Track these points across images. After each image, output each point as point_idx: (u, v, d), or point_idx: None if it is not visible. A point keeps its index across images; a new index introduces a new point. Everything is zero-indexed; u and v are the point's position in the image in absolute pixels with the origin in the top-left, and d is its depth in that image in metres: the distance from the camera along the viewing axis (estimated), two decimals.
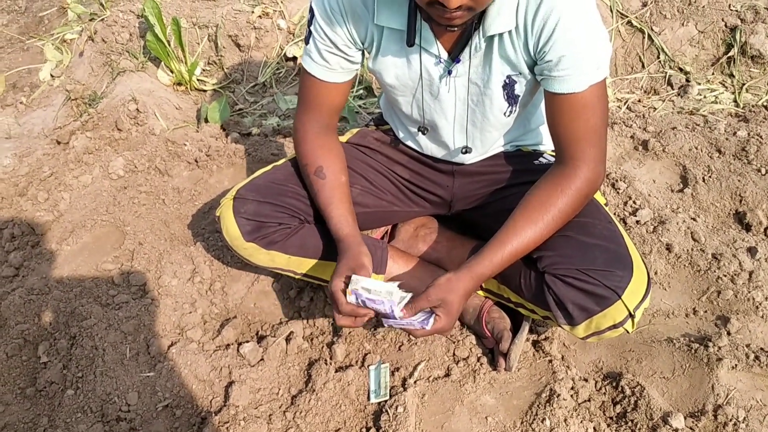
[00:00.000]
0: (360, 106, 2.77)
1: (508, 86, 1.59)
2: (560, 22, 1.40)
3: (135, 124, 2.51)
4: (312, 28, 1.61)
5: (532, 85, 1.59)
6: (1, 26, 3.43)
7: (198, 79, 2.93)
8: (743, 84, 2.75)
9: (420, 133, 1.77)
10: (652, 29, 2.82)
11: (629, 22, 2.84)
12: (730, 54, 2.79)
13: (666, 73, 2.79)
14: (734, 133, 2.26)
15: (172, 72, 2.88)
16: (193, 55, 2.95)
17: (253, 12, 2.98)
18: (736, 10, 2.83)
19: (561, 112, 1.50)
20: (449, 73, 1.58)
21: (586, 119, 1.49)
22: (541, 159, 1.81)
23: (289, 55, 2.96)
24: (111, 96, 2.67)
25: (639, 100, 2.74)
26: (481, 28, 1.47)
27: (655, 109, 2.65)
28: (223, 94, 2.87)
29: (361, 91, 2.88)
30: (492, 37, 1.49)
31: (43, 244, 2.12)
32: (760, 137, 2.21)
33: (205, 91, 2.93)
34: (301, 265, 1.74)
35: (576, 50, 1.43)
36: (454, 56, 1.55)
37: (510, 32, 1.47)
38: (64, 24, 3.28)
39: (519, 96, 1.61)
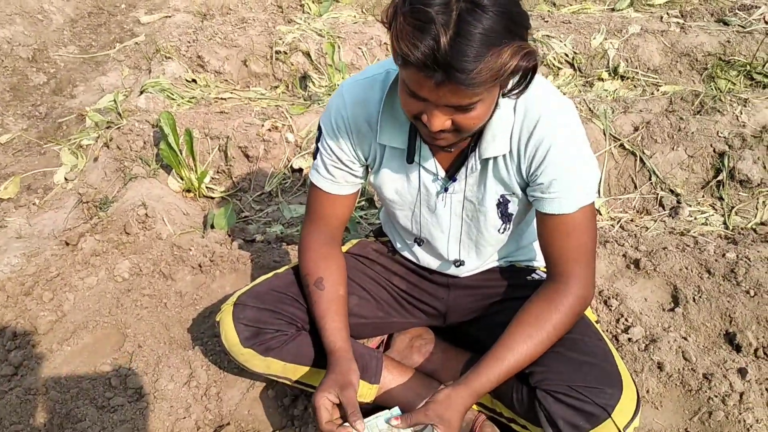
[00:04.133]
0: (361, 216, 2.86)
1: (502, 205, 1.67)
2: (551, 148, 1.49)
3: (143, 228, 2.58)
4: (319, 144, 1.71)
5: (525, 204, 1.67)
6: (21, 131, 3.59)
7: (207, 187, 3.04)
8: (732, 207, 2.84)
9: (416, 244, 1.84)
10: (643, 152, 2.95)
11: (622, 145, 2.97)
12: (719, 178, 2.90)
13: (658, 194, 2.89)
14: (723, 255, 2.33)
15: (182, 179, 2.98)
16: (204, 164, 3.07)
17: (263, 125, 3.13)
18: (724, 137, 2.96)
19: (552, 231, 1.58)
20: (446, 190, 1.66)
21: (577, 239, 1.57)
22: (533, 275, 1.87)
23: (296, 167, 3.08)
24: (122, 200, 2.76)
25: (632, 220, 2.83)
26: (477, 150, 1.56)
27: (647, 228, 2.73)
28: (230, 202, 2.97)
29: (363, 203, 2.98)
30: (487, 159, 1.58)
31: (44, 343, 2.15)
32: (749, 260, 2.27)
33: (213, 198, 3.04)
34: (296, 372, 1.76)
35: (566, 175, 1.52)
36: (451, 174, 1.64)
37: (504, 156, 1.57)
38: (82, 130, 3.44)
39: (512, 214, 1.68)
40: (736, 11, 4.14)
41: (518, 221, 1.74)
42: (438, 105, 1.31)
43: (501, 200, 1.66)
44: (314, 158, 1.75)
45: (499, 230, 1.71)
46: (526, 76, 1.34)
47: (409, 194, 1.72)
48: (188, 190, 3.02)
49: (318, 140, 1.72)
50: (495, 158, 1.58)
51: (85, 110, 3.56)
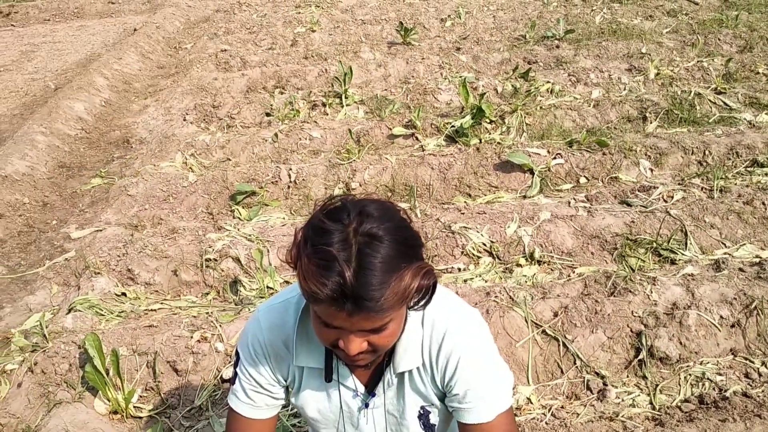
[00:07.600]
0: (293, 425, 2.82)
1: (423, 416, 1.70)
2: (461, 360, 1.57)
3: None
4: (238, 369, 1.74)
5: (446, 413, 1.71)
6: None
7: (135, 406, 2.97)
8: (657, 385, 2.92)
9: None
10: (565, 337, 3.05)
11: (544, 331, 3.07)
12: (640, 357, 3.00)
13: (584, 378, 2.96)
14: None
15: (109, 400, 2.91)
16: (132, 383, 3.02)
17: (191, 337, 3.13)
18: (639, 316, 3.10)
19: None
20: (366, 405, 1.69)
21: None
22: None
23: (226, 377, 3.06)
24: (44, 430, 2.66)
25: (562, 406, 2.86)
26: (391, 364, 1.62)
27: (577, 415, 2.77)
28: (159, 421, 2.90)
29: (296, 410, 2.94)
30: (402, 373, 1.64)
31: None
32: None
33: (141, 417, 2.96)
34: None
35: (480, 384, 1.58)
36: (370, 390, 1.69)
37: (418, 368, 1.63)
38: (6, 354, 3.36)
39: (435, 425, 1.72)
40: (637, 192, 4.47)
41: (442, 430, 1.76)
42: (353, 331, 1.38)
43: (422, 412, 1.70)
44: (231, 384, 1.77)
45: None
46: (428, 290, 1.43)
47: (331, 413, 1.74)
48: (115, 412, 2.94)
49: (236, 365, 1.75)
50: (410, 371, 1.64)
51: (11, 333, 3.50)
